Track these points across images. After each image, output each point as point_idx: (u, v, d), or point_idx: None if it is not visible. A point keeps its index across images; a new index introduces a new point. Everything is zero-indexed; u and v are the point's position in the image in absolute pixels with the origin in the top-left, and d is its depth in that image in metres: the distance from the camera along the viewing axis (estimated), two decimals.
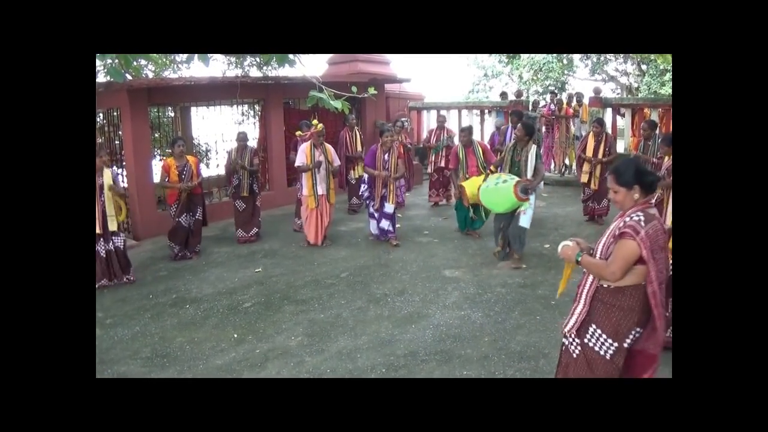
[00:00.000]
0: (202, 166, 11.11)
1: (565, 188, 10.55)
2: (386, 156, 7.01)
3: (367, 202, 7.25)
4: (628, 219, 2.53)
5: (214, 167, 10.24)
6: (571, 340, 2.75)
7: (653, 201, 2.69)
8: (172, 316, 5.13)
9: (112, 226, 5.88)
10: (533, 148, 6.16)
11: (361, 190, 7.44)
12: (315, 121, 7.03)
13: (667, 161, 5.53)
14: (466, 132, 7.49)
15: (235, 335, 4.66)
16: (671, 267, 3.86)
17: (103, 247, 5.83)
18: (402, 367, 4.01)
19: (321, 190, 7.05)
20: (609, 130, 10.83)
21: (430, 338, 4.45)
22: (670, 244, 3.95)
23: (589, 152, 7.87)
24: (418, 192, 10.42)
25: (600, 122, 8.07)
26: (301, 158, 7.03)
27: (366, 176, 7.24)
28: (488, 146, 7.66)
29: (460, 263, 6.35)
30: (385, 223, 7.12)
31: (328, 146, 7.19)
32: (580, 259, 2.68)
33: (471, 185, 6.92)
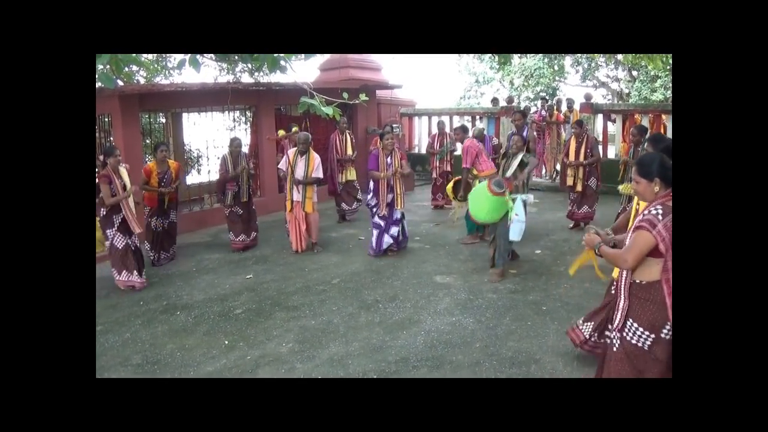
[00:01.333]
0: (194, 172, 11.17)
1: (556, 194, 10.59)
2: (389, 159, 6.86)
3: (373, 210, 6.92)
4: (646, 212, 2.65)
5: (206, 173, 10.22)
6: (614, 335, 2.86)
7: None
8: (162, 322, 5.11)
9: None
10: (520, 154, 6.16)
11: (367, 199, 7.12)
12: (281, 132, 7.01)
13: None
14: (459, 130, 7.59)
15: (226, 342, 4.65)
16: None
17: (130, 242, 6.00)
18: (393, 374, 4.01)
19: (296, 196, 7.03)
20: (600, 136, 10.95)
21: (422, 344, 4.45)
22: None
23: (571, 155, 7.86)
24: (410, 198, 10.42)
25: (579, 123, 8.05)
26: (284, 162, 7.10)
27: (371, 183, 6.96)
28: (469, 150, 7.17)
29: (451, 269, 6.36)
30: (394, 230, 6.89)
31: (313, 155, 7.09)
32: (599, 248, 2.83)
33: (449, 187, 7.25)
